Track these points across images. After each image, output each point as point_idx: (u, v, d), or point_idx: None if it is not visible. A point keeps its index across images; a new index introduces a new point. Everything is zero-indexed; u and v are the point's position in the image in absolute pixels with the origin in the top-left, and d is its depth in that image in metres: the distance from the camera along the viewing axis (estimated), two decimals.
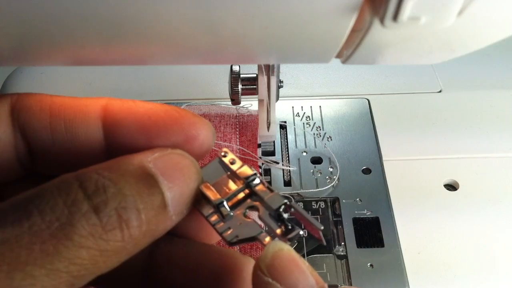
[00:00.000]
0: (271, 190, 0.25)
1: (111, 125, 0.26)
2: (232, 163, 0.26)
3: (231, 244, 0.25)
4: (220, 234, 0.25)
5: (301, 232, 0.24)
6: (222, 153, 0.27)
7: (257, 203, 0.25)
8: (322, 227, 0.24)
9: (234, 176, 0.26)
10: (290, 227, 0.24)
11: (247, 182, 0.25)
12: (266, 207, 0.25)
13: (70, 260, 0.19)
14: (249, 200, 0.26)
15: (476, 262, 0.46)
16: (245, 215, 0.25)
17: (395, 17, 0.19)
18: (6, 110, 0.26)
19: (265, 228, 0.25)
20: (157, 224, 0.22)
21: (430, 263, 0.46)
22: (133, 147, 0.25)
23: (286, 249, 0.23)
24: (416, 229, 0.48)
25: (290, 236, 0.24)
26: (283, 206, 0.24)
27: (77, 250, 0.20)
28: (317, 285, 0.23)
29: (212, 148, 0.28)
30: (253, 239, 0.25)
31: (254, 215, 0.25)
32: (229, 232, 0.25)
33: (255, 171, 0.26)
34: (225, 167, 0.26)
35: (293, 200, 0.26)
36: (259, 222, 0.25)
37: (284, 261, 0.23)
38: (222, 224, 0.25)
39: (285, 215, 0.25)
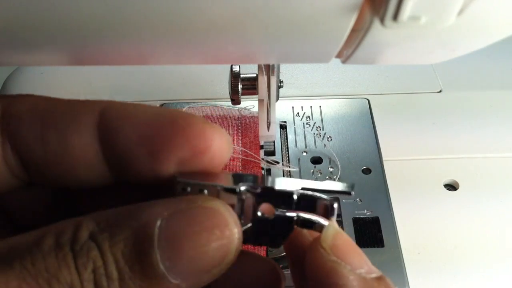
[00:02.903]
0: (268, 189, 0.23)
1: (108, 135, 0.23)
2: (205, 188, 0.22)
3: (279, 246, 0.24)
4: (268, 245, 0.23)
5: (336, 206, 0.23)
6: (182, 188, 0.22)
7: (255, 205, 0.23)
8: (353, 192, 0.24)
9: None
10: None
11: (239, 194, 0.22)
12: (274, 202, 0.23)
13: None
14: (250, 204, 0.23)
15: (477, 261, 0.46)
16: (262, 215, 0.23)
17: (395, 17, 0.19)
18: None
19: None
20: None
21: (430, 263, 0.46)
22: (133, 161, 0.23)
23: (343, 232, 0.23)
24: (416, 229, 0.48)
25: (333, 216, 0.23)
26: (295, 193, 0.23)
27: None
28: (375, 271, 0.22)
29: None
30: (311, 224, 0.23)
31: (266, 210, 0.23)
32: (268, 239, 0.23)
33: (234, 187, 0.22)
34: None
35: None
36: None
37: (345, 243, 0.22)
38: (253, 238, 0.23)
39: (295, 198, 0.23)
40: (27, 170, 0.24)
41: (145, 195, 0.23)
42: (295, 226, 0.23)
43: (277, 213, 0.23)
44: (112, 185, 0.25)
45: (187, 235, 0.20)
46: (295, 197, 0.23)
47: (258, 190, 0.23)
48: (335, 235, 0.22)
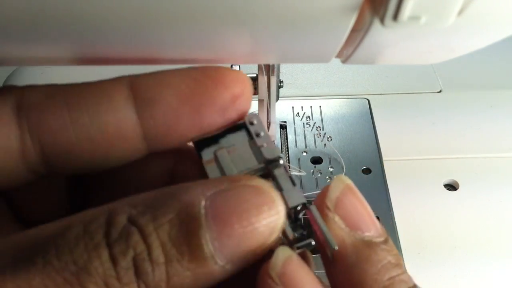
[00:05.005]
0: (293, 183, 0.22)
1: (145, 105, 0.22)
2: (258, 134, 0.23)
3: None
4: None
5: (313, 243, 0.21)
6: (250, 120, 0.23)
7: None
8: (337, 248, 0.21)
9: (255, 149, 0.23)
10: (302, 234, 0.22)
11: (268, 164, 0.22)
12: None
13: None
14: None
15: (476, 261, 0.46)
16: None
17: (395, 17, 0.19)
18: (10, 109, 0.22)
19: None
20: (192, 277, 0.19)
21: (430, 263, 0.46)
22: (177, 125, 0.22)
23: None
24: (416, 229, 0.48)
25: (300, 244, 0.21)
26: (300, 206, 0.22)
27: None
28: (382, 234, 0.22)
29: None
30: None
31: None
32: None
33: (280, 154, 0.22)
34: (249, 134, 0.23)
35: (312, 204, 0.22)
36: None
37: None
38: None
39: (300, 215, 0.22)
40: (46, 162, 0.23)
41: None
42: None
43: None
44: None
45: (236, 213, 0.19)
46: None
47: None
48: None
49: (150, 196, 0.20)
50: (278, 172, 0.22)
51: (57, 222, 0.19)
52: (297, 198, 0.22)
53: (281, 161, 0.22)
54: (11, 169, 0.23)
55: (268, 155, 0.23)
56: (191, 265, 0.19)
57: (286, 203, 0.21)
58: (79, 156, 0.23)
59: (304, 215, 0.22)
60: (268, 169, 0.22)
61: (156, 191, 0.20)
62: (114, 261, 0.18)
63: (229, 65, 0.47)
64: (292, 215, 0.22)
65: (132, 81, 0.23)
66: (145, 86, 0.23)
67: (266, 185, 0.20)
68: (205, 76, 0.23)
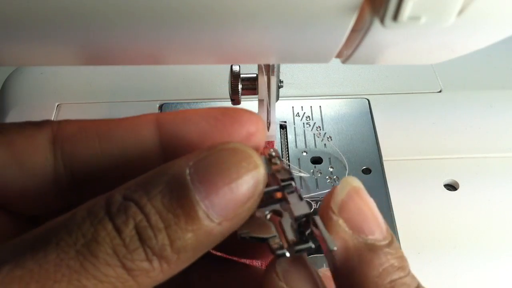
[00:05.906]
0: (300, 198, 0.24)
1: (168, 137, 0.25)
2: (274, 163, 0.25)
3: (239, 238, 0.23)
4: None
5: (312, 246, 0.23)
6: (271, 152, 0.26)
7: (281, 209, 0.24)
8: (335, 248, 0.23)
9: (273, 176, 0.25)
10: (304, 239, 0.23)
11: (281, 185, 0.24)
12: (290, 214, 0.24)
13: (97, 278, 0.19)
14: (277, 204, 0.25)
15: (476, 262, 0.46)
16: (267, 217, 0.24)
17: (395, 17, 0.19)
18: (46, 140, 0.25)
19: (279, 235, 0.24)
20: (193, 238, 0.20)
21: (430, 263, 0.46)
22: None
23: (362, 189, 0.23)
24: (416, 229, 0.48)
25: (299, 247, 0.23)
26: (304, 218, 0.23)
27: (103, 268, 0.19)
28: (387, 237, 0.23)
29: None
30: (262, 240, 0.24)
31: (276, 220, 0.24)
32: (242, 226, 0.24)
33: (292, 176, 0.24)
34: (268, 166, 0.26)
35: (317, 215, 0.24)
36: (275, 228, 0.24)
37: (359, 203, 0.23)
38: None
39: (307, 230, 0.23)
40: (78, 189, 0.26)
41: None
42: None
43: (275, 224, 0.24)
44: None
45: (218, 173, 0.21)
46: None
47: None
48: (350, 191, 0.23)
49: (141, 177, 0.22)
50: (288, 190, 0.24)
51: (66, 214, 0.21)
52: (303, 209, 0.23)
53: (292, 185, 0.24)
54: (45, 195, 0.25)
55: (281, 177, 0.24)
56: (189, 226, 0.20)
57: (293, 214, 0.23)
58: (105, 180, 0.25)
59: (306, 223, 0.23)
60: (281, 188, 0.24)
61: (146, 173, 0.22)
62: (118, 230, 0.20)
63: (229, 66, 0.47)
64: (296, 225, 0.23)
65: (158, 118, 0.25)
66: (169, 123, 0.25)
67: (241, 145, 0.22)
68: (223, 115, 0.25)
